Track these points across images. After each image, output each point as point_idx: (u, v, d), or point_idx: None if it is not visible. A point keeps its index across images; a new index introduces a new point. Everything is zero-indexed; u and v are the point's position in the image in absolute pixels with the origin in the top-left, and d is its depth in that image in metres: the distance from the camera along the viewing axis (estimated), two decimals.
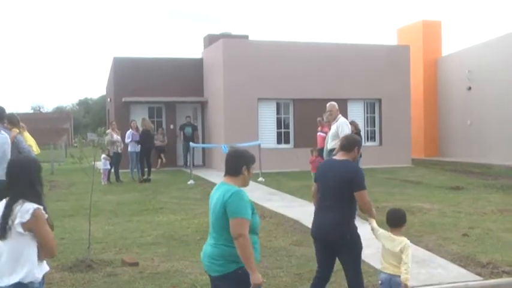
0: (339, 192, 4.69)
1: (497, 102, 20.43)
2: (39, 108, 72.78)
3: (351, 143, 4.95)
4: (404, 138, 20.61)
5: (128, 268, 6.42)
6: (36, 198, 3.25)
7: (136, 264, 6.53)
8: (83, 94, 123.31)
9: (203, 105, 21.72)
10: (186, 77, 21.44)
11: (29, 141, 7.75)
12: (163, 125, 21.28)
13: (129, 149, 16.83)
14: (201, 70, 21.79)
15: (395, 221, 4.82)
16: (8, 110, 7.60)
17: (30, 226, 3.17)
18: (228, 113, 18.90)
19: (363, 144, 13.78)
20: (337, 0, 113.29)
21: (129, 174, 16.79)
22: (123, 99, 20.57)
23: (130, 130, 16.97)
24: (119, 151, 16.28)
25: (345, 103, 19.16)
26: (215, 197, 3.80)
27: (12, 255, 3.19)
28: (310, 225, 8.73)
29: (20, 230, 3.16)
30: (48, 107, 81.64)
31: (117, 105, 20.94)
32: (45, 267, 3.38)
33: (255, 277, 3.58)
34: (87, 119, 65.31)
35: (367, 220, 4.97)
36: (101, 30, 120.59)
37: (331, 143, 9.65)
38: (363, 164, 13.75)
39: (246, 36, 22.08)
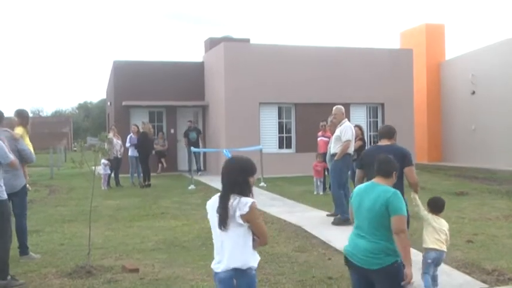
0: None
1: (501, 106, 20.41)
2: (38, 112, 72.90)
3: (391, 131, 5.95)
4: (408, 143, 20.52)
5: (128, 274, 6.41)
6: (250, 194, 3.68)
7: (136, 270, 6.52)
8: (82, 98, 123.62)
9: (204, 109, 21.73)
10: (187, 81, 21.46)
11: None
12: (164, 130, 21.29)
13: (129, 153, 16.83)
14: (202, 74, 21.81)
15: (436, 207, 5.81)
16: (6, 114, 7.60)
17: (247, 218, 3.58)
18: (229, 118, 18.90)
19: (366, 148, 13.79)
20: (340, 3, 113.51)
21: (129, 179, 16.80)
22: (123, 103, 20.58)
23: (131, 134, 16.99)
24: (119, 156, 16.28)
25: (348, 107, 19.11)
26: (371, 195, 4.20)
27: (233, 244, 3.61)
28: (312, 231, 8.74)
29: (240, 221, 3.58)
30: (48, 110, 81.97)
31: (117, 109, 20.96)
32: (258, 256, 3.74)
33: (411, 270, 4.03)
34: (86, 123, 65.43)
35: None
36: (101, 33, 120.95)
37: (334, 147, 9.62)
38: None
39: (248, 40, 22.10)
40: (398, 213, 4.05)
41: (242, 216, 3.56)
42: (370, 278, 4.15)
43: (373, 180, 4.36)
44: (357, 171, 5.93)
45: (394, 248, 4.06)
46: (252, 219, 3.60)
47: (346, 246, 4.29)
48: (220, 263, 3.65)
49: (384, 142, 5.91)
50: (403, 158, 5.53)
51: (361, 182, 5.53)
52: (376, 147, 6.02)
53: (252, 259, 3.65)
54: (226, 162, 3.85)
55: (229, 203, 3.59)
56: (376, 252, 4.07)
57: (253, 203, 3.60)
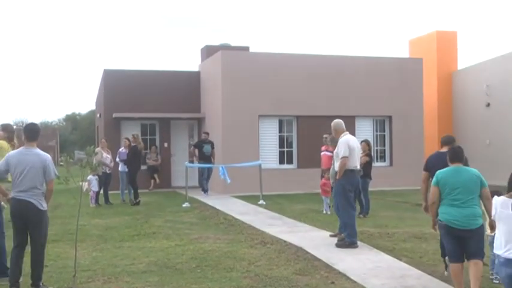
0: None
1: None
2: (23, 123, 72.88)
3: (451, 139, 7.73)
4: (417, 158, 20.55)
5: None
6: None
7: None
8: (70, 109, 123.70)
9: (200, 122, 21.80)
10: (182, 91, 21.55)
11: None
12: (157, 143, 21.34)
13: (119, 168, 16.82)
14: (198, 84, 21.91)
15: None
16: None
17: None
18: (226, 131, 18.95)
19: (373, 164, 13.82)
20: (345, 10, 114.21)
21: (119, 196, 16.79)
22: (114, 115, 20.65)
23: (122, 148, 16.99)
24: (108, 171, 16.26)
25: (353, 120, 19.23)
26: (464, 174, 6.22)
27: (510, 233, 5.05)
28: (314, 253, 8.74)
29: None
30: (33, 122, 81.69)
31: (107, 121, 21.01)
32: None
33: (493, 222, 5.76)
34: (74, 136, 65.41)
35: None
36: (91, 40, 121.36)
37: (335, 164, 9.57)
38: (372, 186, 13.83)
39: (247, 48, 22.24)
40: (486, 186, 6.16)
41: None
42: (464, 238, 6.05)
43: (453, 165, 6.29)
44: (423, 173, 7.71)
45: (481, 212, 6.03)
46: None
47: (445, 216, 6.14)
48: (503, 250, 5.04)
49: (444, 149, 7.51)
50: None
51: (427, 183, 7.58)
52: (438, 153, 7.75)
53: None
54: None
55: None
56: (477, 215, 6.07)
57: None
